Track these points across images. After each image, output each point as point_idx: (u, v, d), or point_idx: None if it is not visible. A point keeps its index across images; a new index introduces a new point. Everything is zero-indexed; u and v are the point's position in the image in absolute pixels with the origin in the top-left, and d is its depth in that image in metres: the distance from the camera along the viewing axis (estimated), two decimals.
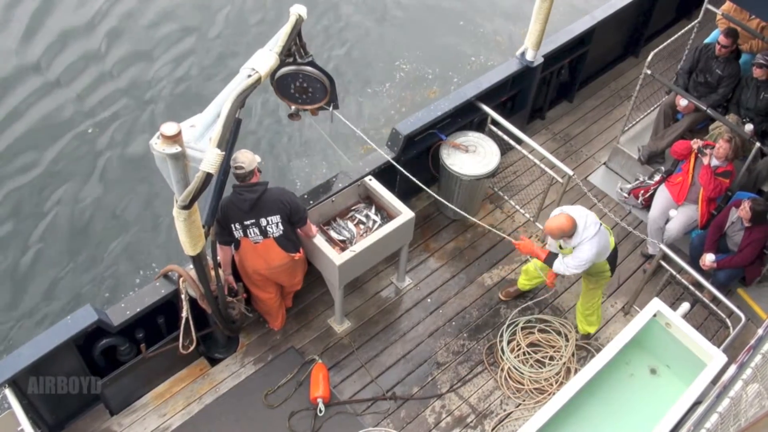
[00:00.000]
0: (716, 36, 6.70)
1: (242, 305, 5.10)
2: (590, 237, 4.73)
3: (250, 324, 5.59)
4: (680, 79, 6.78)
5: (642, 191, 6.63)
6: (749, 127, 6.21)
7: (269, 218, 4.72)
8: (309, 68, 4.15)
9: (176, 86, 9.19)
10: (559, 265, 4.94)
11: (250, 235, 4.78)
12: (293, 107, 4.44)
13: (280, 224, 4.75)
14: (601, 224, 4.85)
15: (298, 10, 3.86)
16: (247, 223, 4.72)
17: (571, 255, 4.84)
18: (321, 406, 5.12)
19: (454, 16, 10.75)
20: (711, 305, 5.68)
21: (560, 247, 4.98)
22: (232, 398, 5.18)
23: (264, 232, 4.77)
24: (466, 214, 5.76)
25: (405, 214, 5.28)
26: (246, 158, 4.55)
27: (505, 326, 5.73)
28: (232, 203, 4.66)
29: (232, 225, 4.72)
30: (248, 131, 8.64)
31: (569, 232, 4.72)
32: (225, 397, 5.19)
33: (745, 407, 3.33)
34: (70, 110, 8.69)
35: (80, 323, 4.46)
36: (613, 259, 5.11)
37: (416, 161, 6.13)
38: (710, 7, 6.72)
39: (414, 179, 5.29)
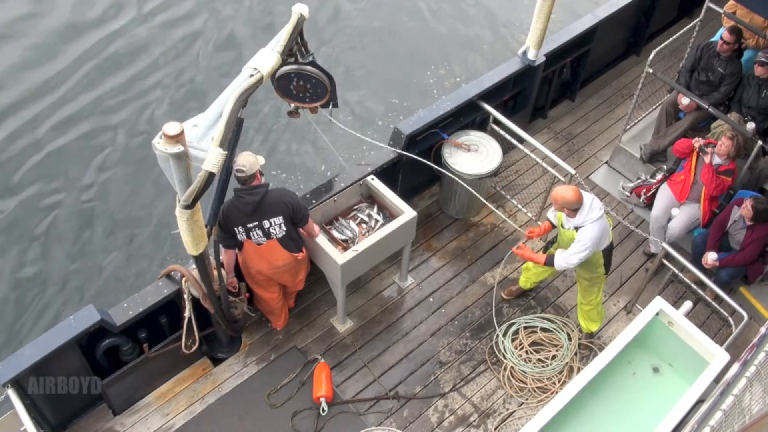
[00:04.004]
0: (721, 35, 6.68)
1: (245, 305, 5.10)
2: (593, 220, 4.76)
3: (253, 324, 5.60)
4: (682, 77, 6.77)
5: (644, 190, 6.62)
6: (751, 125, 6.19)
7: (272, 220, 4.72)
8: (310, 68, 4.14)
9: (178, 86, 9.19)
10: (560, 261, 4.95)
11: (253, 237, 4.77)
12: (292, 105, 4.44)
13: (282, 225, 4.75)
14: (604, 212, 4.87)
15: (300, 9, 3.86)
16: (250, 225, 4.71)
17: (574, 242, 4.84)
18: (324, 405, 5.12)
19: (455, 17, 10.76)
20: (713, 304, 5.69)
21: (561, 226, 4.99)
22: (235, 398, 5.18)
23: (267, 234, 4.77)
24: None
25: (407, 213, 5.28)
26: (247, 161, 4.54)
27: (508, 325, 5.74)
28: (233, 207, 4.65)
29: (235, 228, 4.72)
30: (250, 131, 8.64)
31: (571, 204, 4.73)
32: (228, 397, 5.19)
33: (749, 404, 3.34)
34: (72, 110, 8.69)
35: (83, 323, 4.46)
36: (608, 254, 5.09)
37: (418, 160, 6.13)
38: (712, 5, 6.71)
39: (430, 163, 5.38)
